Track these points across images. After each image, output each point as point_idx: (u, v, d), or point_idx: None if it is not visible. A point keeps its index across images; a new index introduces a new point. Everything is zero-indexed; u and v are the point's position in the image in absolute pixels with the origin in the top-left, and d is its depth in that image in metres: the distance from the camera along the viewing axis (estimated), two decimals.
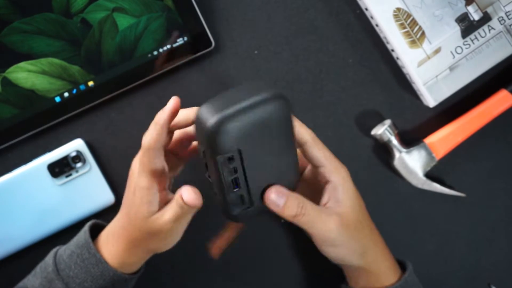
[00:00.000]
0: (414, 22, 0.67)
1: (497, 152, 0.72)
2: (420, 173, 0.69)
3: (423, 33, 0.67)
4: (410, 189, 0.71)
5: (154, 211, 0.55)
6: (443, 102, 0.70)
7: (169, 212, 0.54)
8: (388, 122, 0.69)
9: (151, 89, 0.68)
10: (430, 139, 0.69)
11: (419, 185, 0.70)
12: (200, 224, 0.61)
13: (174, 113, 0.54)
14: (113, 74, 0.66)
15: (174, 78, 0.68)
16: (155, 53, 0.66)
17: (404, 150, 0.69)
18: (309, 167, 0.61)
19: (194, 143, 0.60)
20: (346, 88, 0.70)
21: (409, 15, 0.67)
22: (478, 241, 0.73)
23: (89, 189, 0.67)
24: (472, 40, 0.68)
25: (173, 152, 0.59)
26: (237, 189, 0.52)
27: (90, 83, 0.66)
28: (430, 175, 0.71)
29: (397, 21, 0.67)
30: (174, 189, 0.56)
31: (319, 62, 0.70)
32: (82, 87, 0.66)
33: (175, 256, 0.63)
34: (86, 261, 0.57)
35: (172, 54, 0.67)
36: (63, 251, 0.59)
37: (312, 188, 0.59)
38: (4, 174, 0.66)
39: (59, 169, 0.66)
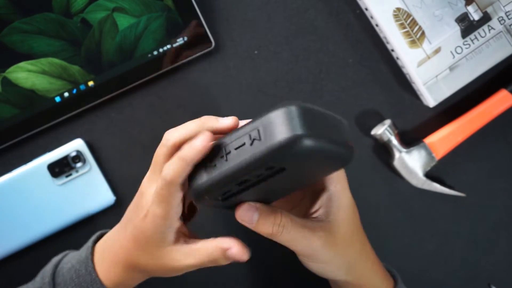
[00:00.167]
0: (414, 22, 0.67)
1: (497, 152, 0.72)
2: (420, 173, 0.69)
3: (423, 33, 0.67)
4: (410, 189, 0.71)
5: (169, 242, 0.51)
6: (443, 102, 0.70)
7: (192, 259, 0.50)
8: (388, 122, 0.69)
9: (151, 89, 0.68)
10: (430, 139, 0.69)
11: (419, 185, 0.70)
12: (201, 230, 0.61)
13: (204, 153, 0.47)
14: (113, 74, 0.66)
15: (174, 78, 0.68)
16: (155, 53, 0.66)
17: (404, 150, 0.69)
18: None
19: None
20: (346, 88, 0.70)
21: (409, 15, 0.67)
22: (478, 241, 0.73)
23: (89, 189, 0.67)
24: (472, 40, 0.68)
25: None
26: (236, 186, 0.46)
27: (90, 83, 0.66)
28: (430, 175, 0.71)
29: (397, 21, 0.67)
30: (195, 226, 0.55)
31: (319, 62, 0.70)
32: (82, 87, 0.66)
33: None
34: (81, 278, 0.55)
35: (172, 54, 0.67)
36: (66, 261, 0.57)
37: (305, 189, 0.55)
38: (4, 174, 0.66)
39: (59, 169, 0.66)
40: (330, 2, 0.69)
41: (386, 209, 0.72)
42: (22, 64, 0.65)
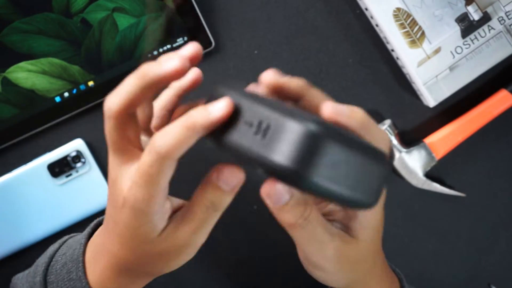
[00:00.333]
0: (414, 22, 0.67)
1: (497, 152, 0.72)
2: (420, 173, 0.69)
3: (423, 33, 0.67)
4: (410, 189, 0.71)
5: (158, 230, 0.41)
6: (443, 102, 0.70)
7: (188, 224, 0.41)
8: (388, 122, 0.69)
9: None
10: (430, 139, 0.69)
11: (419, 185, 0.70)
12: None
13: (221, 122, 0.38)
14: (113, 74, 0.66)
15: None
16: (155, 53, 0.66)
17: (404, 150, 0.69)
18: None
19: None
20: (346, 88, 0.70)
21: (409, 15, 0.67)
22: (478, 241, 0.73)
23: (89, 189, 0.67)
24: (472, 40, 0.68)
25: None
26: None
27: (90, 83, 0.66)
28: (430, 175, 0.71)
29: (397, 21, 0.67)
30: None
31: (319, 62, 0.70)
32: (82, 87, 0.66)
33: None
34: (72, 283, 0.47)
35: None
36: (61, 253, 0.50)
37: None
38: (4, 174, 0.66)
39: (59, 169, 0.66)
40: (330, 2, 0.69)
41: (386, 209, 0.72)
42: (22, 64, 0.65)
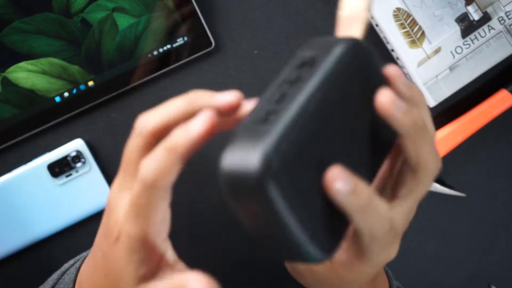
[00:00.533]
0: (414, 22, 0.67)
1: (497, 152, 0.72)
2: None
3: (423, 33, 0.67)
4: None
5: (143, 276, 0.36)
6: (443, 102, 0.70)
7: None
8: None
9: (151, 89, 0.68)
10: None
11: None
12: None
13: (206, 140, 0.34)
14: (113, 74, 0.66)
15: (174, 78, 0.68)
16: (155, 53, 0.66)
17: None
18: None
19: None
20: None
21: (409, 15, 0.67)
22: (478, 241, 0.73)
23: (89, 189, 0.67)
24: (472, 40, 0.68)
25: None
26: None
27: (90, 83, 0.66)
28: None
29: (397, 21, 0.67)
30: None
31: None
32: (82, 87, 0.66)
33: None
34: None
35: (172, 54, 0.67)
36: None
37: None
38: (4, 174, 0.66)
39: (59, 169, 0.66)
40: (330, 2, 0.69)
41: None
42: (22, 64, 0.65)
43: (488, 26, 0.68)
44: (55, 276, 0.50)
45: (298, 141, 0.31)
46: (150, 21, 0.66)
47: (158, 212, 0.35)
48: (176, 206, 0.67)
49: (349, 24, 0.38)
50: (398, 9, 0.67)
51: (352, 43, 0.35)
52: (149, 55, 0.66)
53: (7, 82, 0.64)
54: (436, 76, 0.68)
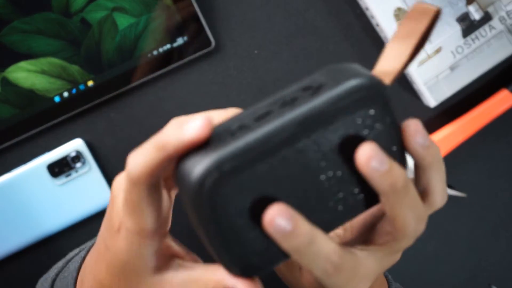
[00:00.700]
0: None
1: (498, 152, 0.72)
2: None
3: None
4: None
5: (154, 269, 0.37)
6: (443, 102, 0.70)
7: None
8: None
9: (151, 89, 0.68)
10: None
11: None
12: None
13: (198, 141, 0.33)
14: (113, 73, 0.66)
15: (174, 78, 0.68)
16: (155, 53, 0.66)
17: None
18: None
19: None
20: None
21: None
22: (479, 241, 0.73)
23: (89, 189, 0.67)
24: (473, 40, 0.68)
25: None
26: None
27: (90, 83, 0.66)
28: None
29: (397, 20, 0.67)
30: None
31: (319, 62, 0.70)
32: (81, 86, 0.66)
33: None
34: None
35: (172, 54, 0.67)
36: (61, 278, 0.47)
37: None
38: (4, 174, 0.66)
39: (59, 169, 0.66)
40: (330, 2, 0.69)
41: None
42: (22, 64, 0.65)
43: (489, 25, 0.68)
44: (60, 264, 0.50)
45: (248, 167, 0.31)
46: (150, 21, 0.66)
47: (149, 207, 0.35)
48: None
49: (417, 18, 0.35)
50: (399, 8, 0.67)
51: (369, 84, 0.33)
52: (149, 55, 0.66)
53: (7, 82, 0.64)
54: (437, 76, 0.68)
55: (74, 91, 0.66)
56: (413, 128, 0.34)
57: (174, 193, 0.40)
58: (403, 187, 0.33)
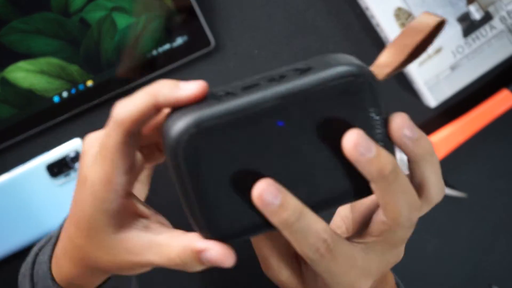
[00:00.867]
0: None
1: (498, 152, 0.72)
2: None
3: None
4: None
5: (119, 225, 0.36)
6: (444, 102, 0.70)
7: (155, 255, 0.36)
8: None
9: None
10: (431, 139, 0.69)
11: None
12: None
13: (193, 99, 0.34)
14: (112, 73, 0.66)
15: (173, 78, 0.68)
16: (155, 53, 0.66)
17: None
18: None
19: None
20: None
21: (410, 15, 0.67)
22: (479, 241, 0.73)
23: None
24: (473, 40, 0.68)
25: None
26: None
27: (89, 83, 0.66)
28: None
29: (398, 20, 0.67)
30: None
31: None
32: (81, 86, 0.66)
33: None
34: (46, 281, 0.44)
35: (172, 54, 0.66)
36: (40, 261, 0.46)
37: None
38: (3, 174, 0.66)
39: (58, 169, 0.66)
40: (330, 2, 0.69)
41: None
42: (21, 63, 0.64)
43: (490, 25, 0.68)
44: (42, 241, 0.50)
45: (227, 131, 0.32)
46: (149, 21, 0.66)
47: (124, 159, 0.35)
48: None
49: (411, 35, 0.36)
50: (399, 8, 0.67)
51: (357, 72, 0.33)
52: (148, 55, 0.66)
53: (6, 82, 0.64)
54: (437, 76, 0.68)
55: (73, 91, 0.66)
56: (399, 120, 0.33)
57: (153, 163, 0.40)
58: (391, 173, 0.33)
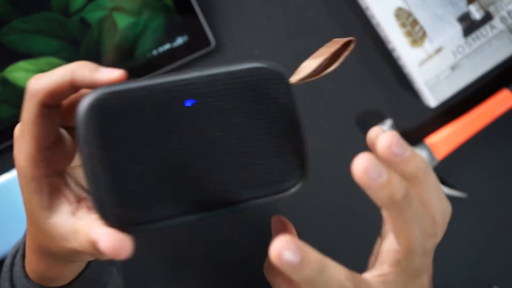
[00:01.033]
0: (415, 22, 0.67)
1: (498, 152, 0.72)
2: None
3: (424, 32, 0.67)
4: None
5: (46, 207, 0.36)
6: (444, 102, 0.70)
7: (75, 242, 0.35)
8: (389, 122, 0.68)
9: None
10: (431, 140, 0.69)
11: None
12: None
13: (100, 83, 0.34)
14: None
15: None
16: (155, 53, 0.66)
17: None
18: None
19: None
20: (346, 88, 0.70)
21: (410, 15, 0.67)
22: (479, 241, 0.73)
23: None
24: (473, 40, 0.68)
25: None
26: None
27: None
28: None
29: (398, 20, 0.67)
30: None
31: None
32: None
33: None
34: (24, 279, 0.44)
35: (172, 53, 0.66)
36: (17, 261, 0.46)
37: None
38: (3, 174, 0.66)
39: None
40: (330, 2, 0.69)
41: None
42: (21, 63, 0.64)
43: (490, 25, 0.68)
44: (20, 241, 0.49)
45: (133, 109, 0.33)
46: (149, 21, 0.66)
47: (42, 131, 0.34)
48: None
49: (326, 47, 0.38)
50: (399, 8, 0.67)
51: (266, 69, 0.35)
52: (149, 55, 0.66)
53: (6, 82, 0.64)
54: (438, 76, 0.68)
55: None
56: (387, 140, 0.31)
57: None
58: (403, 199, 0.31)
